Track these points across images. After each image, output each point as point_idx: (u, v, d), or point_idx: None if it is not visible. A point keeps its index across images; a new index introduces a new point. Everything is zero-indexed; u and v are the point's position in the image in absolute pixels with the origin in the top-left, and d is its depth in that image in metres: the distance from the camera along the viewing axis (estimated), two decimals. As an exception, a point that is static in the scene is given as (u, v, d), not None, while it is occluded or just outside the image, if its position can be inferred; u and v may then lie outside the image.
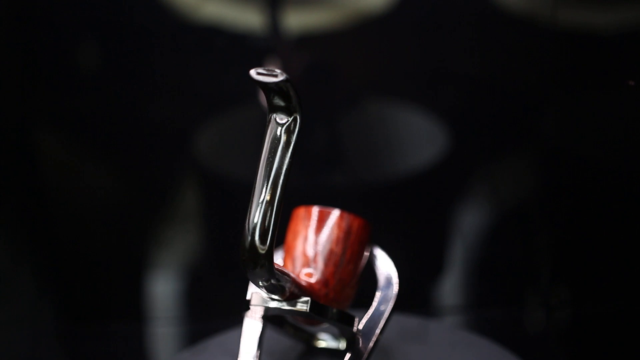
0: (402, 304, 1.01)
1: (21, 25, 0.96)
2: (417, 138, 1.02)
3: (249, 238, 0.56)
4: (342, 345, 0.72)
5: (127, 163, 1.02)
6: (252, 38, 0.97)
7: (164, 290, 1.05)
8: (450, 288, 1.06)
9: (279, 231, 0.67)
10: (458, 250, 1.05)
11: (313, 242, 0.67)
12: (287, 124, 0.56)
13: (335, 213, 0.68)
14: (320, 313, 0.63)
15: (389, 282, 0.69)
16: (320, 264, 0.66)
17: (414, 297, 1.06)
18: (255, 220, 0.56)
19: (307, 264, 0.66)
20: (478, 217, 1.04)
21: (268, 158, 0.56)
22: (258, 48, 0.97)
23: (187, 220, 1.05)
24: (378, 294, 0.68)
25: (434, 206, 1.03)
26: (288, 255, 0.67)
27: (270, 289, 0.59)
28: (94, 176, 1.02)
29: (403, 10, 0.96)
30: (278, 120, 0.56)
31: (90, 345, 1.03)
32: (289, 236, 0.68)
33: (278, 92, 0.56)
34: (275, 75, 0.54)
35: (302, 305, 0.62)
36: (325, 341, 0.73)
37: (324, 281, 0.65)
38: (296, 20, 0.96)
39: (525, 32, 0.97)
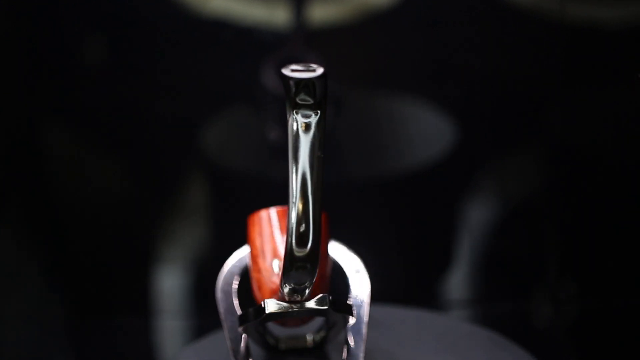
0: (410, 298, 1.02)
1: (26, 20, 0.96)
2: (424, 133, 1.02)
3: (288, 241, 0.54)
4: (309, 343, 0.71)
5: (134, 158, 1.02)
6: (260, 31, 0.97)
7: (170, 284, 1.05)
8: (457, 282, 1.06)
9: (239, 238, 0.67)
10: (465, 245, 1.05)
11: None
12: (313, 120, 0.54)
13: None
14: (337, 308, 0.62)
15: (355, 269, 0.68)
16: None
17: (421, 292, 1.06)
18: (292, 223, 0.54)
19: None
20: (485, 211, 1.04)
21: (295, 158, 0.54)
22: (266, 42, 0.97)
23: (194, 214, 1.05)
24: (352, 282, 0.67)
25: (441, 201, 1.03)
26: (262, 259, 0.66)
27: (299, 291, 0.58)
28: (101, 171, 1.02)
29: (409, 4, 0.96)
30: (302, 117, 0.54)
31: (98, 339, 1.03)
32: (257, 241, 0.66)
33: (308, 88, 0.53)
34: (313, 70, 0.52)
35: (321, 303, 0.60)
36: (286, 343, 0.71)
37: None
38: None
39: (533, 27, 0.97)
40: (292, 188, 0.54)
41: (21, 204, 1.02)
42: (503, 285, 1.06)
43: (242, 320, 0.63)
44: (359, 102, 1.01)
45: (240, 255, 0.69)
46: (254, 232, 0.67)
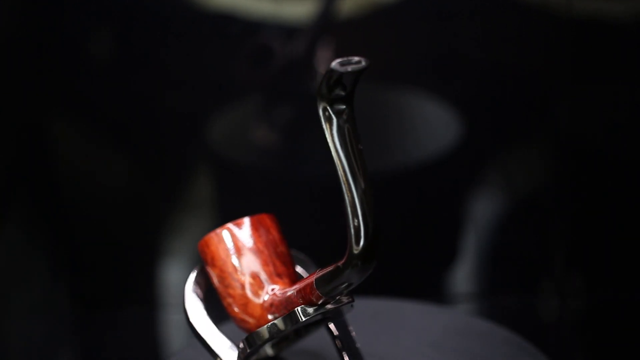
0: (416, 291, 1.01)
1: (35, 14, 0.96)
2: (431, 127, 1.02)
3: (349, 237, 0.53)
4: (270, 351, 0.70)
5: (141, 151, 1.02)
6: (266, 26, 0.97)
7: (177, 277, 1.05)
8: (464, 276, 1.06)
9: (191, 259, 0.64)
10: (472, 238, 1.05)
11: (261, 251, 0.64)
12: (347, 112, 0.53)
13: (265, 217, 0.65)
14: (353, 300, 0.61)
15: (304, 262, 0.68)
16: (281, 268, 0.64)
17: (427, 285, 1.06)
18: (349, 221, 0.53)
19: (272, 273, 0.64)
20: (492, 205, 1.04)
21: (337, 154, 0.53)
22: (271, 36, 0.97)
23: (200, 207, 1.05)
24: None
25: (447, 194, 1.03)
26: (239, 275, 0.64)
27: (347, 290, 0.57)
28: (108, 164, 1.03)
29: (416, -2, 0.97)
30: (335, 111, 0.53)
31: (105, 331, 1.03)
32: (228, 258, 0.65)
33: (338, 81, 0.52)
34: (360, 62, 0.51)
35: (348, 297, 0.60)
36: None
37: (292, 282, 0.64)
38: (306, 10, 0.96)
39: (540, 21, 0.97)
40: (343, 186, 0.53)
41: (28, 198, 1.02)
42: (509, 278, 1.06)
43: (256, 340, 0.62)
44: (365, 95, 1.01)
45: (192, 281, 0.67)
46: (220, 251, 0.65)
